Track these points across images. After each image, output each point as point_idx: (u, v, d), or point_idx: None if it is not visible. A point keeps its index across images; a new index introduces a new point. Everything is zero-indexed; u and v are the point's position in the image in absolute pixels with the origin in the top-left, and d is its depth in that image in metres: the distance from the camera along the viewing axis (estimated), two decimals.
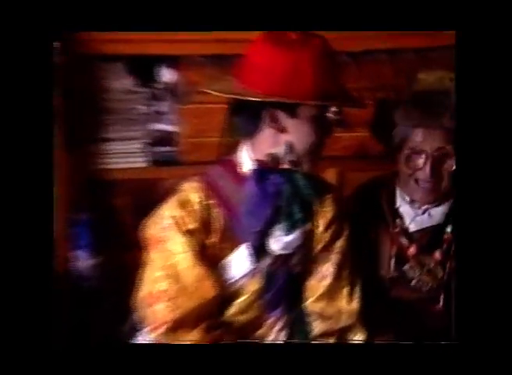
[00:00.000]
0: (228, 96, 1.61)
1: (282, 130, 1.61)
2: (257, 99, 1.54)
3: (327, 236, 1.76)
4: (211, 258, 1.68)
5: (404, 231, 1.95)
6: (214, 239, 1.67)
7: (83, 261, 2.46)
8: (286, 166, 1.57)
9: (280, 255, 1.64)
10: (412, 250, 1.94)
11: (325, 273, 1.75)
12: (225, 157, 1.74)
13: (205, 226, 1.67)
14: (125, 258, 2.46)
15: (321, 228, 1.75)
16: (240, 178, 1.67)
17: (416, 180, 1.93)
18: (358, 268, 1.81)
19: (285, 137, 1.60)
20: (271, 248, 1.61)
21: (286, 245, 1.61)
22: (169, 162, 2.60)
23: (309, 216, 1.64)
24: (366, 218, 1.99)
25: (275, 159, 1.56)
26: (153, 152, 2.60)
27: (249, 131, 1.66)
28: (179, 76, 2.54)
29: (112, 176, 2.56)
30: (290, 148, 1.57)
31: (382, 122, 1.96)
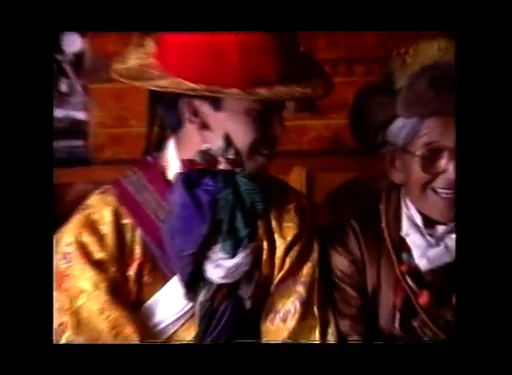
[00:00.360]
0: (128, 82, 1.43)
1: (203, 125, 1.45)
2: (162, 88, 1.41)
3: (289, 260, 1.56)
4: (129, 297, 1.50)
5: (413, 271, 1.68)
6: (132, 271, 1.49)
7: None
8: (223, 167, 1.39)
9: (222, 286, 1.44)
10: (424, 298, 1.65)
11: (288, 311, 1.55)
12: (148, 157, 1.55)
13: (121, 254, 1.49)
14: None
15: (281, 250, 1.55)
16: (165, 186, 1.50)
17: (434, 190, 1.62)
18: (332, 300, 1.63)
19: (211, 135, 1.46)
20: (209, 276, 1.42)
21: (229, 272, 1.43)
22: (77, 160, 2.35)
23: (257, 231, 1.46)
24: (342, 235, 1.72)
25: (208, 158, 1.39)
26: (55, 148, 2.09)
27: (172, 124, 1.51)
28: (89, 44, 2.34)
29: None
30: (228, 141, 1.39)
31: (367, 112, 1.66)
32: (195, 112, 1.45)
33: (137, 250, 1.50)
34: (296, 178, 2.32)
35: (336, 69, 2.31)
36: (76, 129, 2.33)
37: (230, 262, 1.41)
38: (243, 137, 1.46)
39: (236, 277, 1.44)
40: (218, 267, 1.40)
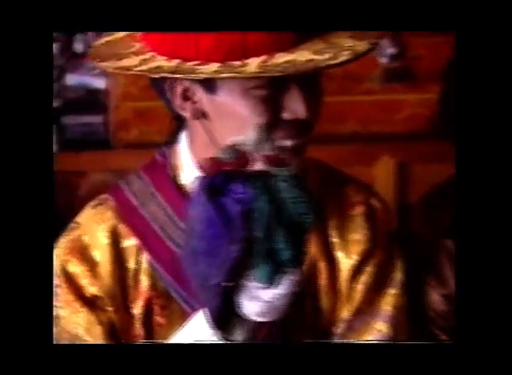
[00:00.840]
0: (92, 63, 1.19)
1: (199, 113, 1.23)
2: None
3: (362, 287, 1.35)
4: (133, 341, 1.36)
5: None
6: (138, 310, 1.31)
7: None
8: (259, 167, 1.18)
9: (263, 323, 1.21)
10: None
11: None
12: (157, 155, 1.34)
13: (121, 288, 1.31)
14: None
15: (347, 273, 1.34)
16: (178, 193, 1.31)
17: None
18: None
19: (211, 125, 1.26)
20: (243, 311, 1.19)
21: (269, 306, 1.19)
22: (94, 142, 2.18)
23: (304, 252, 1.21)
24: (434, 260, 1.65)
25: (237, 155, 1.19)
26: (66, 126, 2.20)
27: (173, 113, 1.30)
28: None
29: None
30: (264, 132, 1.18)
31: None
32: (185, 96, 1.27)
33: (144, 281, 1.34)
34: (383, 171, 2.17)
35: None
36: (92, 100, 2.23)
37: (269, 294, 1.23)
38: (244, 126, 1.28)
39: (278, 314, 1.25)
40: (254, 300, 1.24)
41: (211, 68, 1.23)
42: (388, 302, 1.43)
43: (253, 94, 1.26)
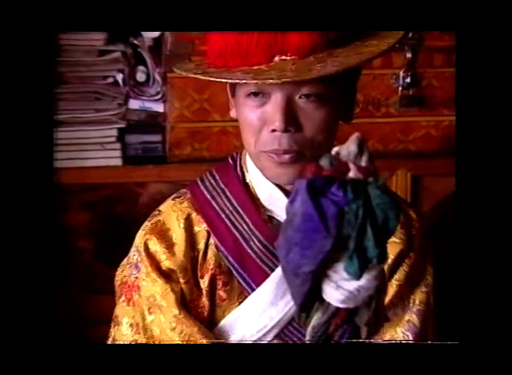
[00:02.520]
0: (187, 74, 1.44)
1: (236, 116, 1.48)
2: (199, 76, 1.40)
3: (397, 283, 1.49)
4: (202, 313, 1.49)
5: None
6: (205, 284, 1.48)
7: None
8: (353, 175, 1.25)
9: (341, 310, 1.31)
10: None
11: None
12: (229, 158, 1.55)
13: (192, 265, 1.48)
14: (81, 307, 2.22)
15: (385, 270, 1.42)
16: (243, 190, 1.50)
17: None
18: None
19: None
20: (327, 298, 1.30)
21: (351, 295, 1.29)
22: (153, 158, 2.25)
23: (387, 251, 1.30)
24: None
25: (337, 164, 1.26)
26: (129, 144, 2.27)
27: None
28: None
29: (65, 179, 2.20)
30: (361, 145, 1.26)
31: None
32: (230, 102, 1.46)
33: (210, 260, 1.48)
34: (401, 183, 2.25)
35: (450, 58, 2.21)
36: (151, 122, 2.23)
37: (353, 285, 1.29)
38: (244, 132, 1.43)
39: (358, 302, 1.31)
40: (339, 289, 1.29)
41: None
42: (418, 298, 1.51)
43: (246, 102, 1.39)
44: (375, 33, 1.40)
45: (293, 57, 1.35)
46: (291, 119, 1.37)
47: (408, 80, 2.16)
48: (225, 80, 1.37)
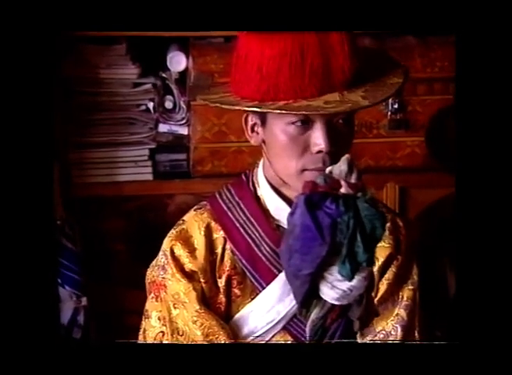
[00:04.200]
0: (215, 105, 1.44)
1: (258, 141, 1.45)
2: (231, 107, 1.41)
3: (386, 282, 1.49)
4: (220, 308, 1.50)
5: None
6: (222, 283, 1.49)
7: (66, 303, 2.17)
8: (344, 190, 1.32)
9: (335, 306, 1.38)
10: None
11: (389, 333, 1.48)
12: (242, 175, 1.55)
13: (211, 267, 1.49)
14: (119, 300, 2.28)
15: (374, 272, 1.47)
16: (255, 203, 1.49)
17: None
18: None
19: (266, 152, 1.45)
20: (323, 296, 1.36)
21: (344, 294, 1.35)
22: (179, 173, 2.33)
23: (374, 256, 1.37)
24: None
25: (330, 181, 1.31)
26: (159, 161, 2.33)
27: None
28: (193, 63, 2.24)
29: (105, 192, 2.30)
30: (350, 165, 1.32)
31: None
32: (252, 129, 1.44)
33: (227, 263, 1.49)
34: (390, 194, 2.32)
35: (431, 87, 2.28)
36: (178, 143, 2.31)
37: (346, 285, 1.35)
38: (280, 155, 1.41)
39: (350, 300, 1.38)
40: (334, 288, 1.35)
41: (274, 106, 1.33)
42: (406, 295, 1.50)
43: (287, 129, 1.38)
44: (390, 72, 1.42)
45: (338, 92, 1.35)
46: (333, 141, 1.37)
47: (396, 106, 2.25)
48: (288, 112, 1.34)
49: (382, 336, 1.48)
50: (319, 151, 1.37)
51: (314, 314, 1.38)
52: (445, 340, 1.32)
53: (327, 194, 1.31)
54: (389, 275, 1.50)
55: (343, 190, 1.32)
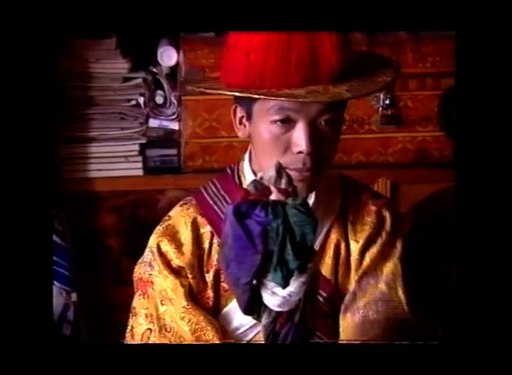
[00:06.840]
0: (199, 89, 1.53)
1: (245, 135, 1.44)
2: (219, 92, 1.43)
3: (369, 257, 1.51)
4: (207, 303, 1.50)
5: None
6: (210, 278, 1.49)
7: (56, 299, 2.15)
8: (275, 197, 1.28)
9: (282, 311, 1.34)
10: None
11: (371, 308, 1.49)
12: (227, 169, 1.55)
13: (198, 262, 1.49)
14: (110, 296, 2.28)
15: (356, 252, 1.51)
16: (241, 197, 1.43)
17: None
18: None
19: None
20: (266, 303, 1.33)
21: (285, 300, 1.31)
22: (169, 169, 2.33)
23: (308, 262, 1.32)
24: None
25: (261, 187, 1.29)
26: (150, 157, 2.33)
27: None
28: (184, 58, 2.23)
29: (96, 187, 2.30)
30: (279, 170, 1.29)
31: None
32: (240, 122, 1.44)
33: (214, 257, 1.50)
34: (381, 189, 2.31)
35: (423, 83, 2.29)
36: (169, 138, 2.31)
37: (285, 291, 1.32)
38: (263, 152, 1.41)
39: (291, 305, 1.34)
40: (274, 295, 1.33)
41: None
42: (388, 270, 1.52)
43: (270, 128, 1.37)
44: (379, 70, 1.42)
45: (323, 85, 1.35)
46: (315, 142, 1.36)
47: (387, 101, 2.25)
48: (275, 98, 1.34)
49: (364, 311, 1.49)
50: (300, 152, 1.37)
51: (264, 320, 1.36)
52: (445, 340, 1.32)
53: (257, 202, 1.28)
54: (372, 251, 1.52)
55: (273, 196, 1.30)
